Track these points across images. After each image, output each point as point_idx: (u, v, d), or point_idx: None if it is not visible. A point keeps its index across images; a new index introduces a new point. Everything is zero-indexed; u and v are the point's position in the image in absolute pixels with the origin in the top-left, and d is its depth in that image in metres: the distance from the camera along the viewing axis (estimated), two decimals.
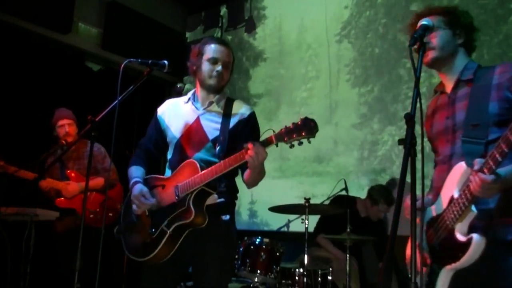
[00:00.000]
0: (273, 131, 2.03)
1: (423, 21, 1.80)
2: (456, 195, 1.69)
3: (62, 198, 3.88)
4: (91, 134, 2.30)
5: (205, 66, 2.33)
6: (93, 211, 3.90)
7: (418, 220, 1.65)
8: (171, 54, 5.81)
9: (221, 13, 6.39)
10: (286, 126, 1.98)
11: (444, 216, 1.73)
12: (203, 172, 2.13)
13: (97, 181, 3.93)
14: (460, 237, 1.64)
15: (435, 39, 1.87)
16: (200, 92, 2.41)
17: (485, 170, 1.51)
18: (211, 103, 2.37)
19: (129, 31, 5.67)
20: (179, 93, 6.13)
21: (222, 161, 2.11)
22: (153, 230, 2.23)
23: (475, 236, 1.60)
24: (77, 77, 5.30)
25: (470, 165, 1.63)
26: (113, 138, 2.26)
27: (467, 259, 1.60)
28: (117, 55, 5.47)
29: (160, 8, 6.23)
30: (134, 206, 2.28)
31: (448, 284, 1.69)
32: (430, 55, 1.90)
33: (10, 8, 4.62)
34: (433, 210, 1.83)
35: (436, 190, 1.89)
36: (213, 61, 2.32)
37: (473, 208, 1.62)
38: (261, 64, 5.85)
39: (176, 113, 2.44)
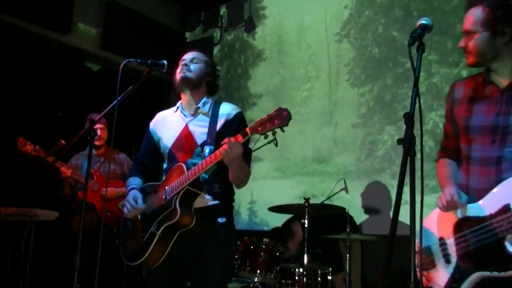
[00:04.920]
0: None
1: (423, 20, 1.77)
2: None
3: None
4: (90, 134, 2.31)
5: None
6: (110, 210, 3.92)
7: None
8: (171, 54, 5.77)
9: (221, 13, 6.39)
10: (260, 118, 2.01)
11: (494, 223, 1.66)
12: (187, 172, 2.17)
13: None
14: None
15: (471, 43, 1.78)
16: (184, 99, 2.46)
17: None
18: (197, 108, 2.41)
19: (129, 31, 5.66)
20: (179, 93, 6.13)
21: (203, 160, 2.14)
22: (144, 233, 2.26)
23: None
24: (76, 77, 5.30)
25: None
26: (112, 137, 2.27)
27: None
28: (116, 55, 5.47)
29: (159, 8, 6.23)
30: (125, 209, 2.31)
31: (473, 286, 1.67)
32: (469, 59, 1.82)
33: (9, 8, 4.62)
34: (469, 210, 1.76)
35: (477, 192, 1.79)
36: (182, 62, 2.44)
37: None
38: (261, 64, 5.84)
39: (166, 124, 2.48)
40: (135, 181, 2.43)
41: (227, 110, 2.39)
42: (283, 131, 1.99)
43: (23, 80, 4.79)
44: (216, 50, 6.30)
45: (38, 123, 4.73)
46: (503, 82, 1.82)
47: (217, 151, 2.09)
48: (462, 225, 1.75)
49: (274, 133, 2.01)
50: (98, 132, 3.99)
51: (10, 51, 4.72)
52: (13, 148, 3.86)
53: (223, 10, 6.38)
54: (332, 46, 5.21)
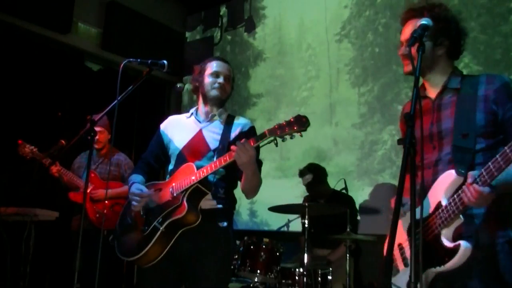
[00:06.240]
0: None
1: (423, 21, 1.78)
2: (444, 203, 1.71)
3: (74, 192, 3.91)
4: (90, 134, 2.31)
5: (208, 79, 2.43)
6: (100, 211, 3.89)
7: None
8: (171, 54, 5.82)
9: (221, 13, 6.39)
10: (278, 123, 2.06)
11: (430, 221, 1.75)
12: (198, 170, 2.18)
13: (124, 190, 3.92)
14: (447, 243, 1.69)
15: (414, 52, 1.82)
16: (202, 107, 2.50)
17: (480, 183, 1.55)
18: (213, 115, 2.45)
19: (129, 31, 5.67)
20: (179, 93, 6.13)
21: (216, 159, 2.16)
22: (146, 227, 2.25)
23: (462, 243, 1.65)
24: (76, 77, 5.30)
25: (461, 173, 1.69)
26: (113, 136, 2.27)
27: (453, 264, 1.65)
28: (116, 55, 5.47)
29: (159, 8, 6.23)
30: (133, 202, 2.31)
31: (429, 285, 1.73)
32: (409, 67, 1.92)
33: (9, 8, 4.62)
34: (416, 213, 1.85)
35: (418, 193, 1.88)
36: (215, 74, 2.44)
37: (461, 215, 1.67)
38: (261, 64, 5.84)
39: (179, 127, 2.50)
40: (137, 178, 2.44)
41: (242, 122, 2.47)
42: (301, 135, 2.04)
43: (23, 80, 4.79)
44: (216, 50, 6.30)
45: (38, 123, 4.73)
46: (433, 93, 1.95)
47: (231, 152, 2.10)
48: (410, 229, 1.84)
49: (292, 137, 2.05)
50: (97, 136, 3.90)
51: (10, 51, 4.72)
52: (13, 149, 3.86)
53: (223, 10, 6.38)
54: (332, 46, 5.21)
